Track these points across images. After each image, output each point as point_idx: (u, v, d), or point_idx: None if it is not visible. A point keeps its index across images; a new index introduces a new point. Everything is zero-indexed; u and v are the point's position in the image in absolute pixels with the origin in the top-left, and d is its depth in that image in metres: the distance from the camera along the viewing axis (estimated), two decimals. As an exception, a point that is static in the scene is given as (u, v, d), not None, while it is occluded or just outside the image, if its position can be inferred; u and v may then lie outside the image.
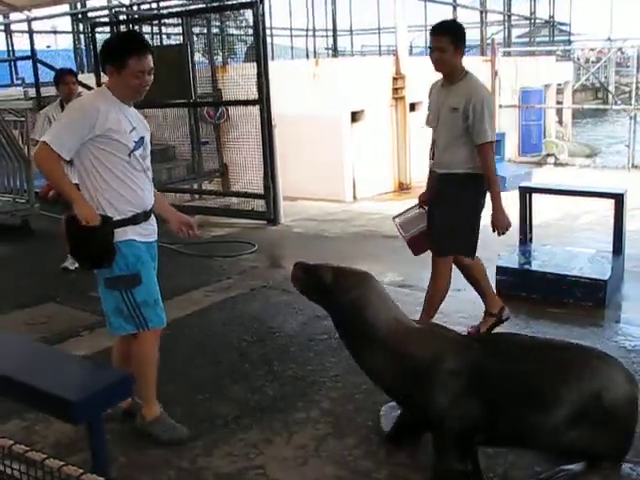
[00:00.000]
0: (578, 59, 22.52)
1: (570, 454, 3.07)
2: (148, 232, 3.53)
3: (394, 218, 4.77)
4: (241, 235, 7.92)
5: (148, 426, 3.57)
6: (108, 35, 8.94)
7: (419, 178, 10.72)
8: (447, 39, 4.08)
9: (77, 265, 6.13)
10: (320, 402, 3.90)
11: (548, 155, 14.15)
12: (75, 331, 5.12)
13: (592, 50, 23.93)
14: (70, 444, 3.48)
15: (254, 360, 4.50)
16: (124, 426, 3.70)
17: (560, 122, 17.40)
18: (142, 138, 3.47)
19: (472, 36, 20.69)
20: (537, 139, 14.61)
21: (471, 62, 13.76)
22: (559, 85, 17.43)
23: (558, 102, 17.31)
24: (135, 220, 3.42)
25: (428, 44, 4.23)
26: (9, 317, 5.50)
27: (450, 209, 4.35)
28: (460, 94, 4.19)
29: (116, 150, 3.34)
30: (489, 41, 14.77)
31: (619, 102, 19.96)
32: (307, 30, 18.36)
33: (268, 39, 18.03)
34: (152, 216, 3.58)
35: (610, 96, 24.24)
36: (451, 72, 4.22)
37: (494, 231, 4.41)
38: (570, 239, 6.92)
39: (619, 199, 5.75)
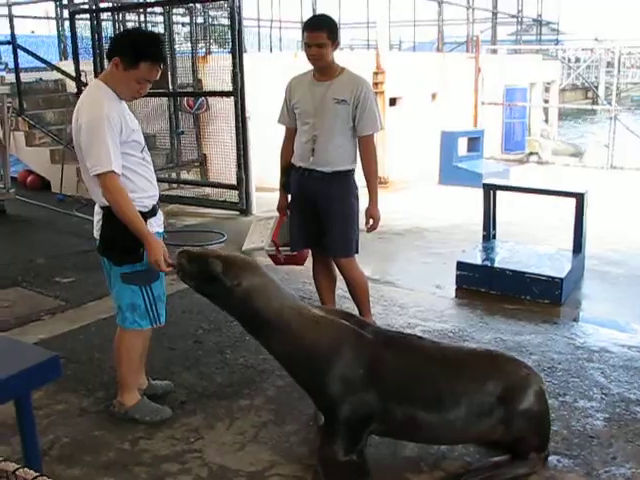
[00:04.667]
0: (568, 59, 22.56)
1: (491, 447, 3.20)
2: (161, 222, 3.59)
3: (270, 246, 4.60)
4: (213, 225, 7.97)
5: (130, 411, 3.63)
6: (88, 23, 8.96)
7: (396, 172, 10.84)
8: (325, 34, 4.06)
9: None
10: (266, 390, 3.98)
11: (531, 153, 14.24)
12: (37, 315, 5.16)
13: (583, 50, 23.95)
14: (15, 424, 3.53)
15: (208, 348, 4.58)
16: (69, 408, 3.80)
17: (546, 120, 17.49)
18: (140, 129, 3.47)
19: (459, 33, 20.81)
20: (521, 137, 14.73)
21: (455, 59, 13.95)
22: (547, 84, 17.52)
23: (545, 101, 17.40)
24: (154, 212, 3.47)
25: (304, 40, 4.15)
26: (-28, 300, 5.53)
27: (345, 209, 4.32)
28: (345, 86, 4.18)
29: (134, 150, 3.33)
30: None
31: (605, 102, 20.03)
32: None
33: (254, 30, 18.19)
34: None
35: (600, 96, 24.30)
36: (328, 66, 4.20)
37: (367, 225, 4.36)
38: (534, 237, 7.00)
39: (579, 198, 5.84)
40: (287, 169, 4.49)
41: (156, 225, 3.49)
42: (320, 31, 4.07)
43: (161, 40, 3.40)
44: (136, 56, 3.20)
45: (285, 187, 4.55)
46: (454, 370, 3.07)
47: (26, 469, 1.64)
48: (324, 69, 4.22)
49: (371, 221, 4.36)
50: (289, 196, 4.57)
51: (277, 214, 4.70)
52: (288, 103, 4.40)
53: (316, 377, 3.06)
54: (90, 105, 3.25)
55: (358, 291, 4.56)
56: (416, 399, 3.01)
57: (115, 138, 3.17)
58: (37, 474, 1.59)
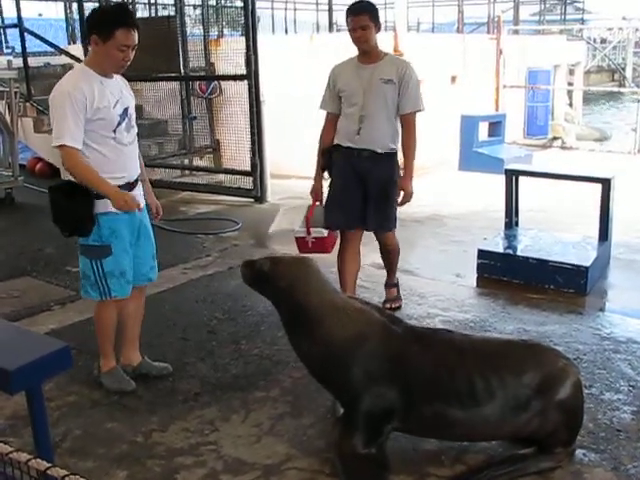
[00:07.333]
0: (593, 40, 22.11)
1: (515, 440, 3.08)
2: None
3: (301, 227, 4.74)
4: (226, 213, 7.86)
5: (102, 376, 3.83)
6: (97, 5, 8.83)
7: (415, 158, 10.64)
8: (368, 17, 4.29)
9: None
10: (282, 381, 3.89)
11: (555, 138, 13.95)
12: (47, 305, 5.10)
13: (610, 29, 23.33)
14: (26, 416, 3.47)
15: (222, 338, 4.49)
16: (81, 399, 3.74)
17: (570, 104, 17.14)
18: (126, 109, 3.55)
19: (479, 13, 20.47)
20: (544, 121, 14.40)
21: (476, 40, 13.69)
22: (571, 66, 17.15)
23: (569, 83, 17.03)
24: None
25: (349, 26, 4.36)
26: (-20, 290, 5.46)
27: (393, 188, 4.56)
28: (390, 67, 4.39)
29: (102, 128, 3.42)
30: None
31: (632, 85, 19.61)
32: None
33: (267, 12, 17.97)
34: (138, 185, 3.71)
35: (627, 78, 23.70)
36: (373, 49, 4.42)
37: (397, 197, 4.59)
38: (558, 224, 6.81)
39: (606, 184, 5.66)
40: (326, 153, 4.63)
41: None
42: (363, 14, 4.29)
43: (127, 6, 3.52)
44: (109, 26, 3.36)
45: (324, 170, 4.69)
46: (489, 362, 2.98)
47: (39, 460, 1.65)
48: (369, 52, 4.41)
49: (402, 193, 4.54)
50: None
51: (304, 203, 4.85)
52: (332, 89, 4.57)
53: (341, 370, 2.98)
54: (59, 83, 3.43)
55: (392, 255, 4.94)
56: (448, 395, 2.92)
57: (76, 113, 3.31)
58: (49, 464, 1.60)
